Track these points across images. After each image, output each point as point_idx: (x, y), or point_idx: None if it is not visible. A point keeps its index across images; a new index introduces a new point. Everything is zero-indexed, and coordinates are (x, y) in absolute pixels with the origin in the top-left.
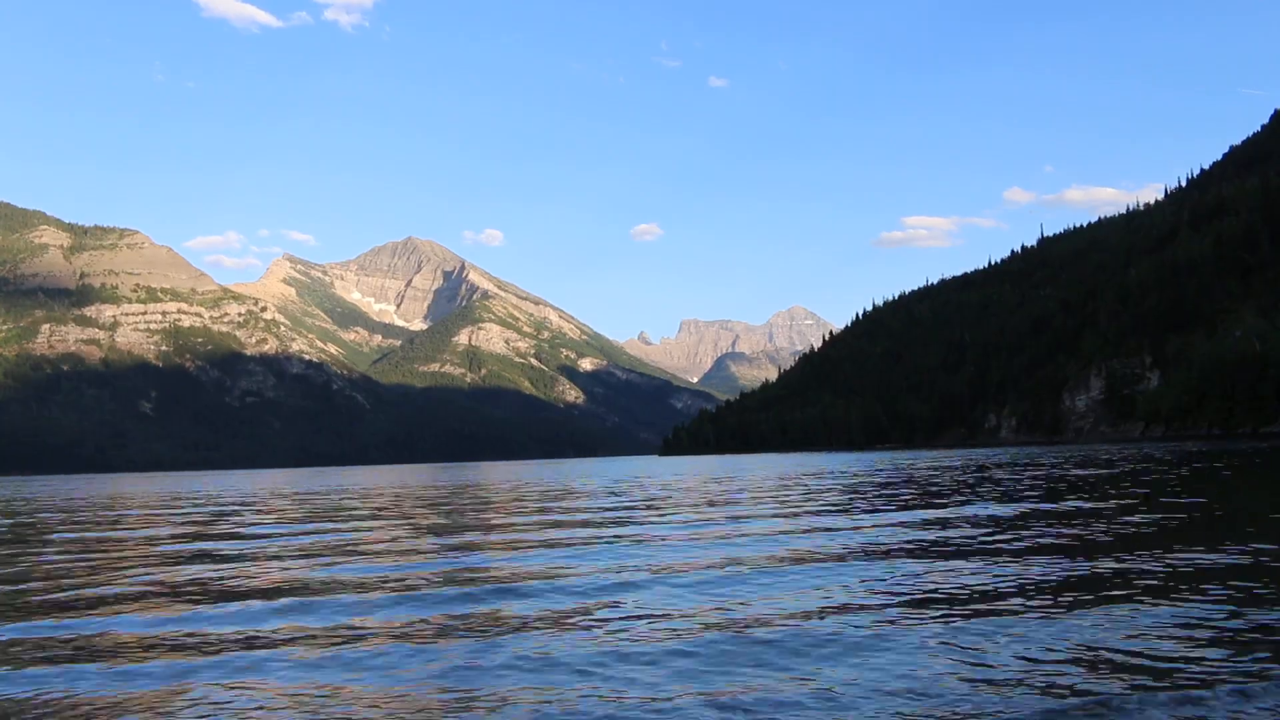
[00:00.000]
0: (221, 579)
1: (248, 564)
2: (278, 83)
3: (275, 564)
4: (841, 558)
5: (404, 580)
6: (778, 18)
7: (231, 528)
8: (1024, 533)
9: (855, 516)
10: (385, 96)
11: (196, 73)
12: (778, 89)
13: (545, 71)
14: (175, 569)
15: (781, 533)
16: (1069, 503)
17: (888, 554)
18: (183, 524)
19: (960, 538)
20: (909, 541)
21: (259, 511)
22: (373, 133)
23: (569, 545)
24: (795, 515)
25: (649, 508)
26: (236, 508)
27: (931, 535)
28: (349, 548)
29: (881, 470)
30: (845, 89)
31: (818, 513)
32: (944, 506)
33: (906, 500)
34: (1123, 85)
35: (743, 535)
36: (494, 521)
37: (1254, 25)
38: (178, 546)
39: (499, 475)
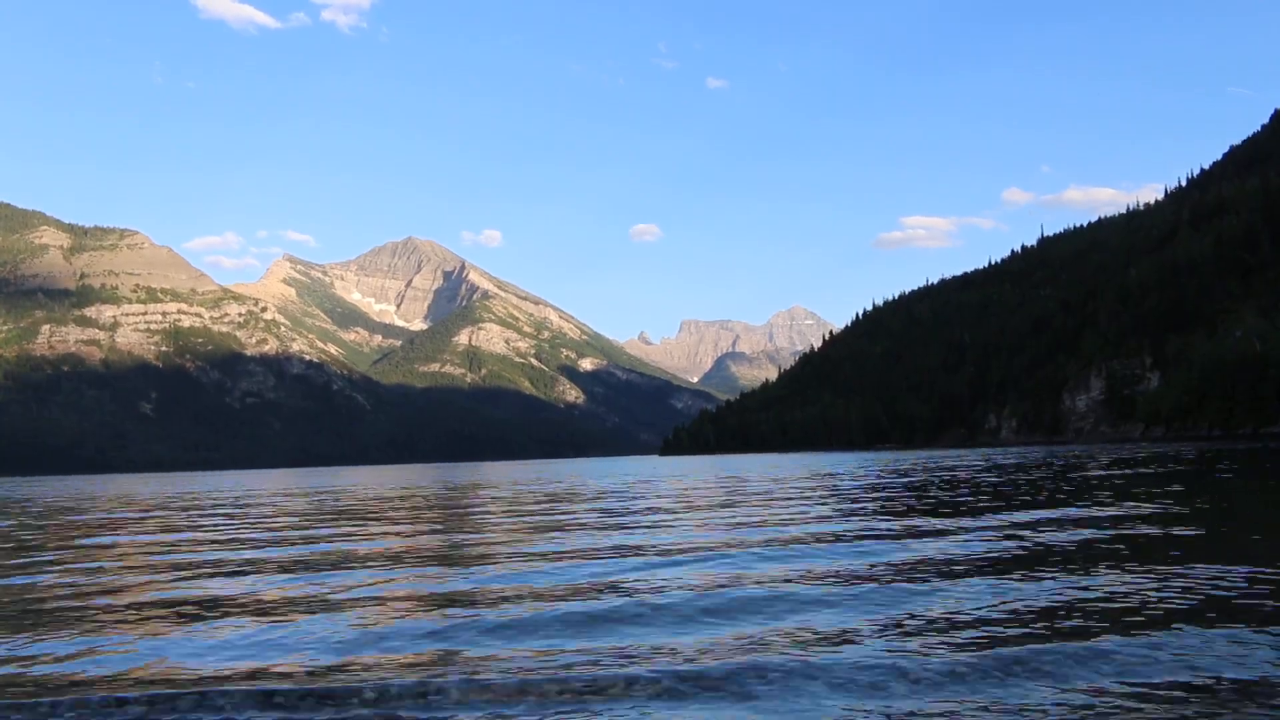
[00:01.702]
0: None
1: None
2: (277, 83)
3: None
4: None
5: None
6: (777, 19)
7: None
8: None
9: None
10: (384, 97)
11: (196, 73)
12: (777, 90)
13: (544, 73)
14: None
15: None
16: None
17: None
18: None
19: None
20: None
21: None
22: (372, 133)
23: None
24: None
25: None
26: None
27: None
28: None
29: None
30: (845, 90)
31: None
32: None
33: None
34: (1121, 86)
35: None
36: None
37: (1252, 26)
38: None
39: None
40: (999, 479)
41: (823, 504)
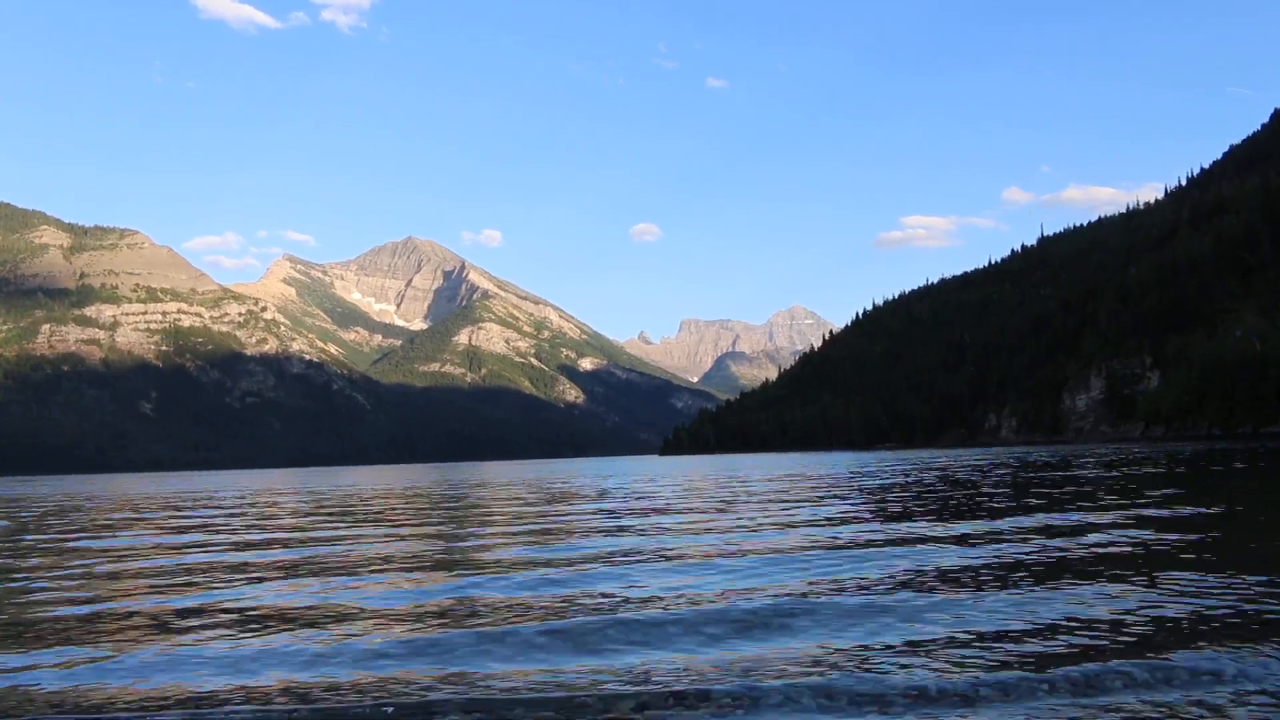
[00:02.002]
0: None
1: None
2: (277, 83)
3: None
4: None
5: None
6: (777, 19)
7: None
8: None
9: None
10: (384, 97)
11: (196, 73)
12: (777, 90)
13: (544, 73)
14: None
15: None
16: None
17: None
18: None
19: None
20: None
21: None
22: (372, 133)
23: None
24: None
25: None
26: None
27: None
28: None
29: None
30: (844, 90)
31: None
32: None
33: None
34: (1121, 86)
35: None
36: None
37: (1252, 26)
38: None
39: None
40: (1012, 478)
41: (831, 506)
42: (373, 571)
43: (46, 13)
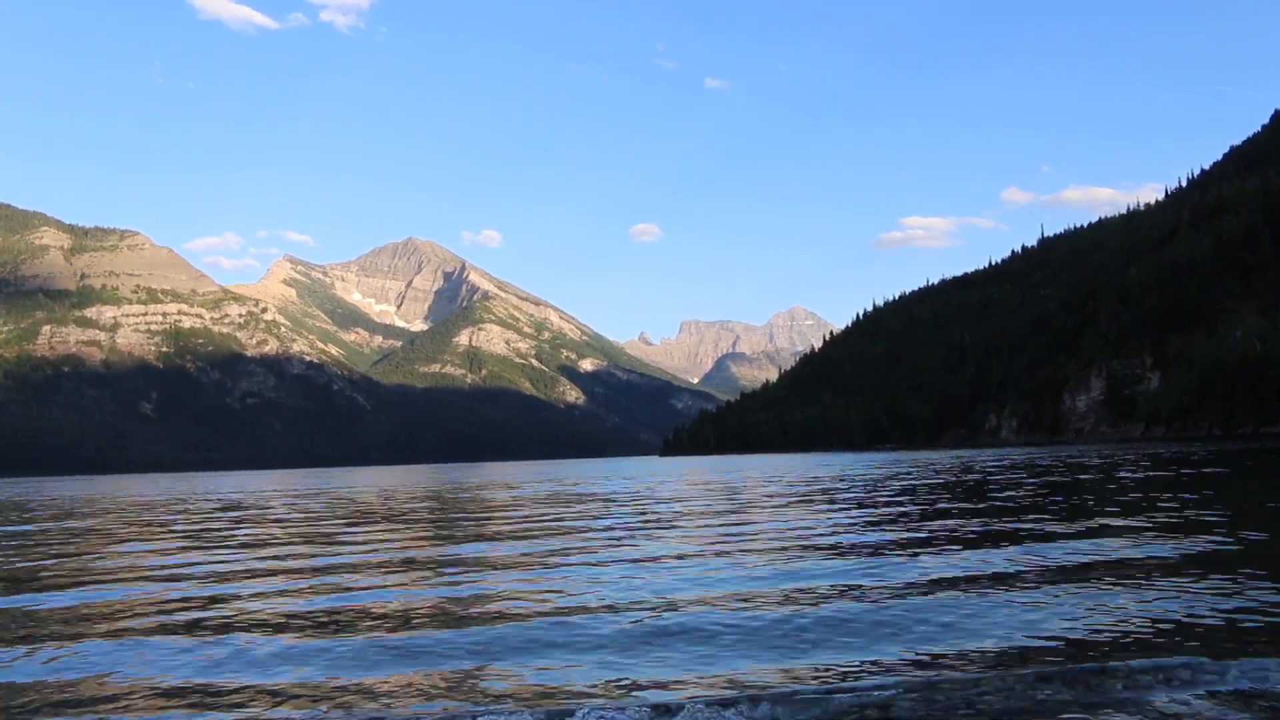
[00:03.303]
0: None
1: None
2: (277, 84)
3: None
4: None
5: None
6: (776, 19)
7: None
8: None
9: None
10: (384, 97)
11: (196, 73)
12: (777, 90)
13: (544, 73)
14: None
15: None
16: None
17: None
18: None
19: None
20: None
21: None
22: (372, 133)
23: None
24: None
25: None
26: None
27: None
28: None
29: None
30: (845, 90)
31: None
32: None
33: None
34: (1121, 86)
35: None
36: None
37: (1252, 26)
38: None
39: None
40: (1031, 481)
41: (846, 513)
42: (345, 624)
43: (46, 13)
